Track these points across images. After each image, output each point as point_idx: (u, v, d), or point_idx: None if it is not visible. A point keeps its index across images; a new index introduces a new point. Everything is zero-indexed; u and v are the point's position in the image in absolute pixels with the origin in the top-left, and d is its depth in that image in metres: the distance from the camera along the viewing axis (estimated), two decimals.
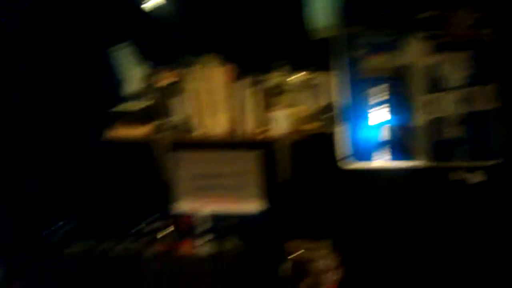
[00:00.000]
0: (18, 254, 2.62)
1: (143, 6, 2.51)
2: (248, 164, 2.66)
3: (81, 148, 2.71)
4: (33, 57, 2.66)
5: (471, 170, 2.39)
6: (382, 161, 2.45)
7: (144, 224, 2.63)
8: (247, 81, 2.45)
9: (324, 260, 2.22)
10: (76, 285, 2.56)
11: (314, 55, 2.51)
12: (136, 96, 2.55)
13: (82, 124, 2.67)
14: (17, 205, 2.74)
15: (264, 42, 2.54)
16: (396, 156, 2.47)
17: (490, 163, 2.38)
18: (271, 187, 2.64)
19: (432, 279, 2.42)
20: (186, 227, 2.62)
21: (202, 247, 2.59)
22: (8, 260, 2.58)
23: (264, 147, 2.59)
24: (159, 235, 2.62)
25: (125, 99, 2.54)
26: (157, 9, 2.55)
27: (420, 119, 2.44)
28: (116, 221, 2.67)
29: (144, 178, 2.70)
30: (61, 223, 2.70)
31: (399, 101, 2.46)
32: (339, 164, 2.48)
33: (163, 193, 2.70)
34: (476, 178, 2.38)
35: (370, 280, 2.31)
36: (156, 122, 2.48)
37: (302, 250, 2.28)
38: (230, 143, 2.59)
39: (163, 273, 2.53)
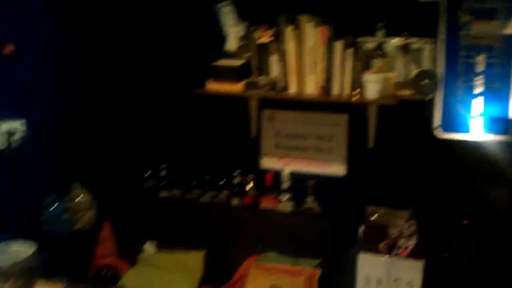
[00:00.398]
0: (110, 197, 2.94)
1: None
2: (336, 127, 2.70)
3: (178, 100, 2.91)
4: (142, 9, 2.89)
5: None
6: (475, 133, 2.38)
7: (230, 178, 2.81)
8: (343, 42, 2.46)
9: (401, 226, 2.23)
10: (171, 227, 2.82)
11: (414, 19, 2.45)
12: (233, 53, 2.68)
13: (181, 76, 2.85)
14: (114, 152, 3.05)
15: (362, 3, 2.52)
16: (491, 129, 2.38)
17: None
18: (356, 152, 2.68)
19: None
20: (270, 183, 2.76)
21: (282, 203, 2.71)
22: (100, 203, 2.89)
23: (353, 111, 2.63)
24: (244, 189, 2.79)
25: (224, 55, 2.68)
26: None
27: None
28: (206, 172, 2.88)
29: (235, 133, 2.86)
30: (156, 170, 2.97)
31: (500, 72, 2.36)
32: (429, 132, 2.44)
33: (251, 149, 2.85)
34: None
35: (443, 250, 2.28)
36: (251, 79, 2.59)
37: (382, 214, 2.30)
38: (320, 105, 2.66)
39: (245, 223, 2.70)
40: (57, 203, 2.67)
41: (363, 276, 2.13)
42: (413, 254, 2.08)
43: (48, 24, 2.61)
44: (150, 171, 2.97)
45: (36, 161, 2.48)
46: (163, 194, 2.93)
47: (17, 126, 2.29)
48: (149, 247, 2.82)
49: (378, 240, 2.17)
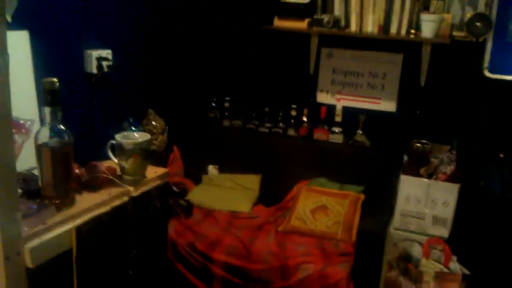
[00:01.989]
0: (179, 124, 3.41)
1: None
2: (390, 65, 3.00)
3: (245, 35, 3.31)
4: None
5: None
6: None
7: (287, 111, 3.19)
8: None
9: (441, 154, 2.53)
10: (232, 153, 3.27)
11: None
12: None
13: (250, 12, 3.23)
14: (184, 84, 3.52)
15: None
16: None
17: None
18: (407, 90, 2.98)
19: None
20: (323, 116, 3.12)
21: (334, 135, 3.08)
22: (170, 129, 3.36)
23: (408, 50, 2.91)
24: (300, 121, 3.17)
25: None
26: None
27: None
28: (265, 104, 3.28)
29: (295, 69, 3.23)
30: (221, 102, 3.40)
31: None
32: (479, 73, 2.69)
33: (308, 85, 3.21)
34: None
35: (480, 179, 2.58)
36: (315, 17, 2.90)
37: (426, 146, 2.61)
38: (376, 45, 2.96)
39: (299, 152, 3.10)
40: (135, 126, 3.18)
41: (403, 195, 2.48)
42: (450, 178, 2.40)
43: None
44: (214, 102, 3.42)
45: (120, 87, 2.96)
46: (226, 123, 3.38)
47: (105, 55, 2.76)
48: (212, 170, 3.31)
49: (420, 166, 2.50)
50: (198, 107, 3.47)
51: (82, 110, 2.73)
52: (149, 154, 1.63)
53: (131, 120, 3.13)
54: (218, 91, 3.43)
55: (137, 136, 1.64)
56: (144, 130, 3.22)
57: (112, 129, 1.88)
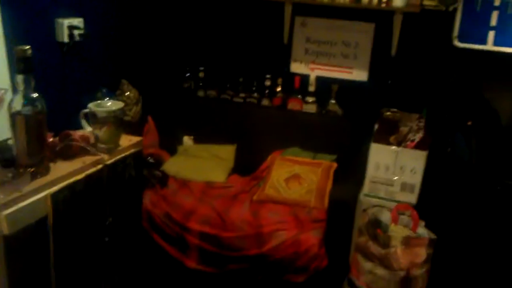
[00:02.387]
0: (154, 94, 3.43)
1: None
2: (362, 34, 3.07)
3: (218, 4, 3.32)
4: None
5: None
6: (490, 44, 2.70)
7: (261, 81, 3.24)
8: None
9: (410, 122, 2.64)
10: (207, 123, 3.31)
11: None
12: None
13: None
14: (158, 53, 3.52)
15: None
16: (506, 41, 2.69)
17: None
18: (379, 59, 3.06)
19: None
20: (297, 86, 3.18)
21: (308, 105, 3.15)
22: (144, 99, 3.37)
23: (380, 20, 2.97)
24: (274, 91, 3.23)
25: None
26: None
27: None
28: (239, 75, 3.32)
29: (268, 39, 3.27)
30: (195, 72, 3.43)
31: None
32: (448, 42, 2.77)
33: (282, 54, 3.26)
34: None
35: (447, 146, 2.70)
36: None
37: (396, 114, 2.71)
38: (349, 14, 3.02)
39: (273, 122, 3.17)
40: (108, 96, 3.18)
41: (373, 163, 2.58)
42: (418, 146, 2.51)
43: None
44: (189, 72, 3.43)
45: (92, 56, 2.95)
46: (200, 93, 3.41)
47: (77, 23, 2.74)
48: (187, 140, 3.35)
49: (390, 134, 2.60)
50: (172, 78, 3.49)
51: (55, 80, 2.72)
52: (123, 122, 1.68)
53: (104, 90, 3.13)
54: (192, 62, 3.44)
55: (110, 105, 1.68)
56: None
57: (86, 99, 1.91)
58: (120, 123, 1.66)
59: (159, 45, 3.51)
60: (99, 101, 1.70)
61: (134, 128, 3.05)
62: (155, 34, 3.48)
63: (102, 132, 1.61)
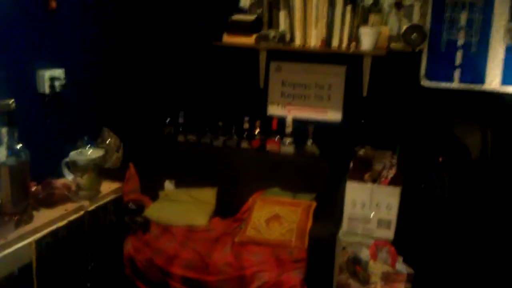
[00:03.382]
0: (135, 141, 3.57)
1: None
2: (334, 77, 3.28)
3: (196, 51, 3.52)
4: None
5: None
6: (456, 83, 2.92)
7: (240, 124, 3.41)
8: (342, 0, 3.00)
9: (384, 159, 2.81)
10: (187, 167, 3.43)
11: None
12: (247, 9, 3.27)
13: (200, 30, 3.46)
14: (138, 100, 3.70)
15: None
16: (470, 79, 2.93)
17: None
18: (352, 100, 3.26)
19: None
20: (275, 128, 3.35)
21: (285, 146, 3.32)
22: (126, 146, 3.49)
23: (350, 62, 3.19)
24: (252, 134, 3.39)
25: (238, 11, 3.27)
26: None
27: (498, 45, 2.86)
28: (219, 118, 3.48)
29: (245, 83, 3.47)
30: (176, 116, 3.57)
31: (480, 27, 2.88)
32: (416, 81, 2.99)
33: (259, 98, 3.45)
34: None
35: (421, 182, 2.86)
36: (262, 32, 3.15)
37: (369, 152, 2.87)
38: (321, 57, 3.24)
39: (253, 163, 3.31)
40: (89, 144, 3.30)
41: (350, 201, 2.71)
42: (392, 182, 2.66)
43: None
44: (169, 118, 3.60)
45: (73, 105, 3.10)
46: (181, 138, 3.56)
47: (58, 74, 2.90)
48: (168, 185, 3.47)
49: (364, 172, 2.75)
50: (153, 124, 3.65)
51: (37, 130, 2.85)
52: (103, 170, 1.80)
53: (85, 138, 3.26)
54: (172, 107, 3.62)
55: (91, 153, 1.81)
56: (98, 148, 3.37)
57: (67, 147, 2.03)
58: (101, 170, 1.79)
59: (140, 92, 3.69)
60: (80, 150, 1.83)
61: (115, 174, 3.17)
62: (136, 81, 3.68)
63: (83, 180, 1.74)
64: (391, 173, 2.63)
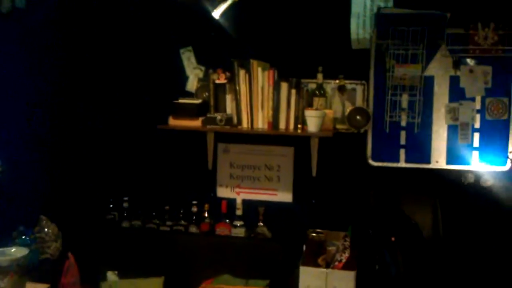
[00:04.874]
0: (74, 228, 3.33)
1: (213, 13, 3.12)
2: (283, 158, 3.27)
3: (141, 134, 3.43)
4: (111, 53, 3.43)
5: (483, 174, 2.90)
6: (402, 162, 2.97)
7: (188, 207, 3.27)
8: (288, 84, 3.04)
9: (337, 242, 2.74)
10: (132, 255, 3.20)
11: (349, 63, 3.10)
12: (193, 93, 3.27)
13: (146, 113, 3.39)
14: (79, 185, 3.51)
15: (304, 50, 3.15)
16: (415, 159, 2.99)
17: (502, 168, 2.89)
18: (301, 180, 3.23)
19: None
20: (224, 211, 3.25)
21: (236, 229, 3.21)
22: (64, 234, 3.26)
23: (298, 144, 3.20)
24: (201, 217, 3.26)
25: (185, 94, 3.25)
26: (218, 19, 3.17)
27: (440, 125, 2.96)
28: (165, 202, 3.34)
29: (193, 165, 3.38)
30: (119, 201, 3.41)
31: (421, 108, 2.98)
32: (363, 162, 3.01)
33: (208, 180, 3.37)
34: (487, 181, 2.86)
35: (375, 263, 2.78)
36: (208, 116, 3.12)
37: (322, 234, 2.79)
38: (269, 139, 3.23)
39: (202, 249, 3.13)
40: (24, 235, 3.05)
41: (304, 286, 2.58)
42: (347, 266, 2.56)
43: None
44: (112, 203, 3.42)
45: (8, 195, 2.89)
46: (125, 224, 3.38)
47: None
48: (111, 276, 3.22)
49: (318, 255, 2.65)
50: (95, 210, 3.46)
51: None
52: (27, 270, 1.61)
53: (21, 228, 3.03)
54: (116, 192, 3.46)
55: (14, 251, 1.62)
56: (35, 238, 3.12)
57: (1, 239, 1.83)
58: (25, 271, 1.59)
59: (81, 177, 3.52)
60: (2, 249, 1.63)
61: (53, 266, 2.92)
62: (76, 166, 3.52)
63: (4, 283, 1.53)
64: (345, 256, 2.55)
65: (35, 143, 3.23)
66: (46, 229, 3.18)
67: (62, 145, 3.47)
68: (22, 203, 3.08)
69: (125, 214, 3.39)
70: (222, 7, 2.88)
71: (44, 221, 3.20)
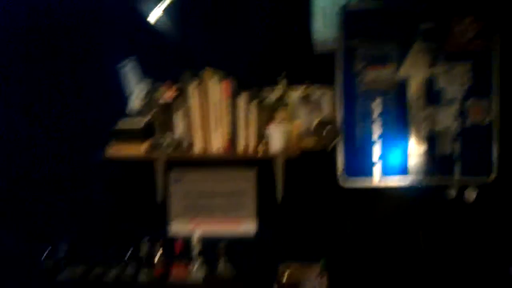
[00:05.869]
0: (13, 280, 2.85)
1: (148, 19, 2.74)
2: (244, 182, 2.86)
3: (77, 167, 2.96)
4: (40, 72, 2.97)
5: (465, 186, 2.55)
6: (377, 177, 2.61)
7: (137, 248, 2.81)
8: (246, 95, 2.67)
9: (313, 282, 2.34)
10: None
11: (313, 69, 2.72)
12: (137, 112, 2.79)
13: (81, 142, 2.93)
14: (11, 230, 3.00)
15: (263, 56, 2.76)
16: (392, 171, 2.62)
17: (485, 179, 2.54)
18: (266, 206, 2.82)
19: None
20: (179, 250, 2.80)
21: (194, 271, 2.75)
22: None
23: (261, 164, 2.79)
24: (153, 259, 2.79)
25: (127, 114, 2.79)
26: (158, 25, 2.79)
27: (416, 133, 2.60)
28: (109, 244, 2.87)
29: (140, 198, 2.92)
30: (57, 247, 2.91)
31: (396, 115, 2.62)
32: (334, 181, 2.64)
33: (159, 214, 2.91)
34: (470, 195, 2.53)
35: None
36: (155, 139, 2.71)
37: (291, 272, 2.37)
38: (228, 160, 2.79)
39: None
40: None
41: None
42: None
43: None
44: (49, 250, 2.90)
45: None
46: (64, 274, 2.85)
47: None
48: None
49: None
50: (27, 257, 2.92)
51: None
52: None
53: None
54: (52, 236, 2.94)
55: None
56: None
57: None
58: None
59: (8, 222, 3.01)
60: None
61: None
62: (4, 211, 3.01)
63: None
64: None
65: None
66: None
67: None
68: None
69: (63, 262, 2.86)
70: (158, 10, 2.47)
71: None
